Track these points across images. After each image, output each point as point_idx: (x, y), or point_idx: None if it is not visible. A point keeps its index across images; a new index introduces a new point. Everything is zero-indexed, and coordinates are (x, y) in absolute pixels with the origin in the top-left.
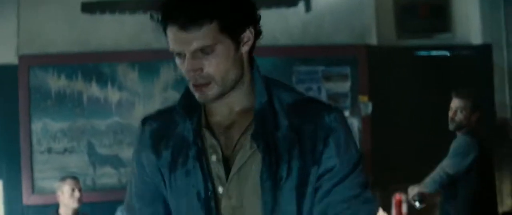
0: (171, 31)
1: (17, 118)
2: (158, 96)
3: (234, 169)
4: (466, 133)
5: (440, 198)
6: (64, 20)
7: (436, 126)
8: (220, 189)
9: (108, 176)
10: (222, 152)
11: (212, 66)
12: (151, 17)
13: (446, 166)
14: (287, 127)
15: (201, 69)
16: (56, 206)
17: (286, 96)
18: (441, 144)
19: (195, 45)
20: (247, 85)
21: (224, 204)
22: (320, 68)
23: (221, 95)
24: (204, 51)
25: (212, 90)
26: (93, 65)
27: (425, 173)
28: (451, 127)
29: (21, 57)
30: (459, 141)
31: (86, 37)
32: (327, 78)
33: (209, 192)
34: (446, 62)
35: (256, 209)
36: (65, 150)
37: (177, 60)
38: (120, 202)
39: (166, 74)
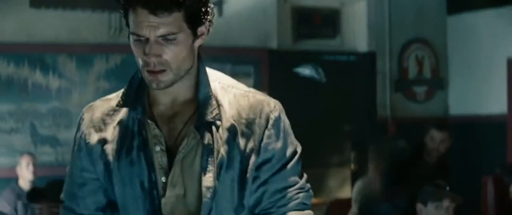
0: (140, 14)
1: None
2: (92, 85)
3: (177, 159)
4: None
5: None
6: (13, 13)
7: (327, 123)
8: (163, 179)
9: (47, 154)
10: (166, 143)
11: (172, 53)
12: None
13: None
14: (229, 118)
15: (160, 56)
16: (15, 179)
17: (228, 88)
18: (331, 140)
19: (162, 31)
20: (193, 77)
21: (168, 193)
22: (228, 66)
23: (172, 83)
24: (167, 38)
25: (167, 77)
26: (37, 54)
27: (317, 171)
28: (435, 155)
29: None
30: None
31: (32, 30)
32: (233, 75)
33: (152, 182)
34: (335, 66)
35: (199, 198)
36: (12, 130)
37: (135, 45)
38: (57, 177)
39: (99, 66)
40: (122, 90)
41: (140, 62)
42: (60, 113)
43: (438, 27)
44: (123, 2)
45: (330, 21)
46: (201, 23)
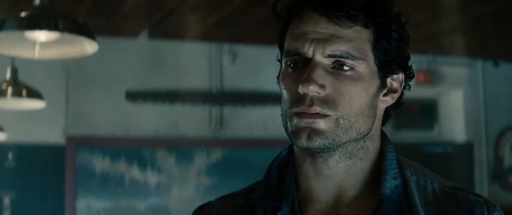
0: (306, 22)
1: (64, 195)
2: (192, 180)
3: None
4: None
5: None
6: (109, 106)
7: None
8: None
9: None
10: None
11: (343, 90)
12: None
13: None
14: None
15: (324, 87)
16: None
17: (426, 183)
18: None
19: (336, 47)
20: (373, 158)
21: None
22: None
23: (331, 145)
24: (341, 63)
25: (326, 126)
26: (135, 149)
27: None
28: None
29: (68, 138)
30: None
31: (129, 123)
32: None
33: None
34: (433, 157)
35: None
36: None
37: (285, 75)
38: None
39: (200, 161)
40: (254, 183)
41: (288, 101)
42: (159, 210)
43: None
44: (287, 8)
45: (427, 112)
46: (394, 69)
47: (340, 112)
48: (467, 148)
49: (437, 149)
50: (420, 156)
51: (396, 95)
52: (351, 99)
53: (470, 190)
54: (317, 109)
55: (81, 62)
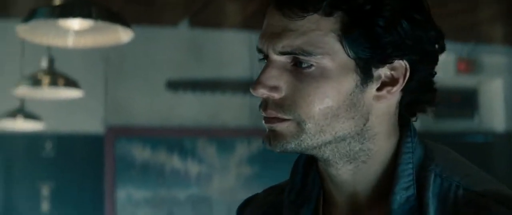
0: (267, 18)
1: (103, 185)
2: (233, 170)
3: None
4: None
5: None
6: (149, 95)
7: None
8: None
9: None
10: None
11: (302, 90)
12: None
13: None
14: None
15: (278, 90)
16: None
17: (450, 187)
18: None
19: (286, 43)
20: (383, 160)
21: None
22: None
23: (297, 149)
24: (299, 60)
25: (287, 130)
26: (175, 139)
27: None
28: None
29: (108, 128)
30: None
31: (169, 113)
32: None
33: None
34: (473, 147)
35: None
36: None
37: None
38: None
39: (241, 151)
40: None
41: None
42: (199, 200)
43: None
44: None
45: (467, 101)
46: (387, 58)
47: (300, 115)
48: (507, 138)
49: (477, 138)
50: (459, 145)
51: (396, 88)
52: (313, 99)
53: (502, 194)
54: (272, 112)
55: (120, 51)
